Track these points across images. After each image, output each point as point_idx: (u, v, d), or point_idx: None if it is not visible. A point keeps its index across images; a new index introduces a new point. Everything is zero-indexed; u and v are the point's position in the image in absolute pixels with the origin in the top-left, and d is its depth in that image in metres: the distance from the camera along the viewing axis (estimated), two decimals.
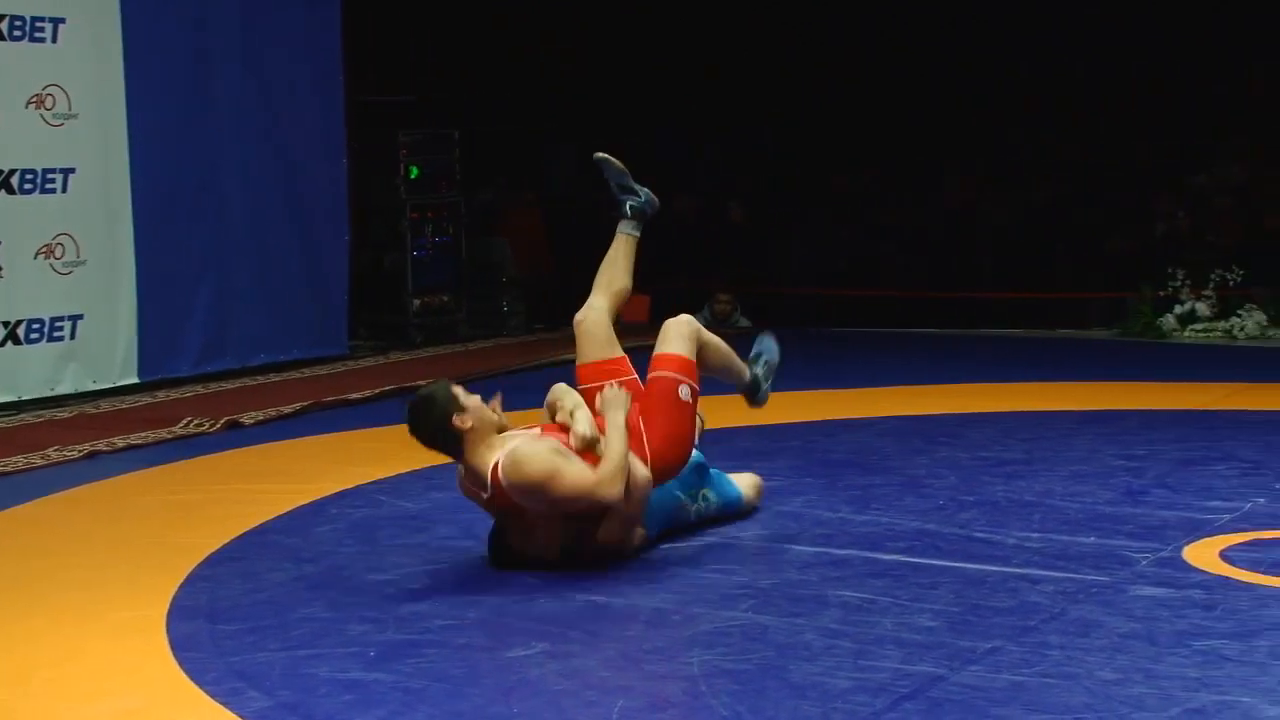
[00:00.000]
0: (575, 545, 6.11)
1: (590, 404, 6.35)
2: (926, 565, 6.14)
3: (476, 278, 14.17)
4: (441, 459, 8.40)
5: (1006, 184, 15.89)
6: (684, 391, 6.49)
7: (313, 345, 12.27)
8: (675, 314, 6.92)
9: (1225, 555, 6.18)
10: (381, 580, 6.11)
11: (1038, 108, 16.88)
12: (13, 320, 10.31)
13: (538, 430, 6.24)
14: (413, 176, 13.62)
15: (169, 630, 5.50)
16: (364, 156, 13.39)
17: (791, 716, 4.60)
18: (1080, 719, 4.50)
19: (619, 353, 6.69)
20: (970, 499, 7.29)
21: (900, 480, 7.74)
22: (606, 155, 7.12)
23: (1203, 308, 13.51)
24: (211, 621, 5.61)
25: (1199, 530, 6.57)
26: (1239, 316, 13.36)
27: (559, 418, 6.32)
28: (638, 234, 7.07)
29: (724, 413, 7.97)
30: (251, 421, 9.78)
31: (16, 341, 10.33)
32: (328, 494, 7.65)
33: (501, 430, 6.23)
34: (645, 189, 7.15)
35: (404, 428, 9.53)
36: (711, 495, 6.85)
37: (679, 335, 6.65)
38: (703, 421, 7.00)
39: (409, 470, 8.17)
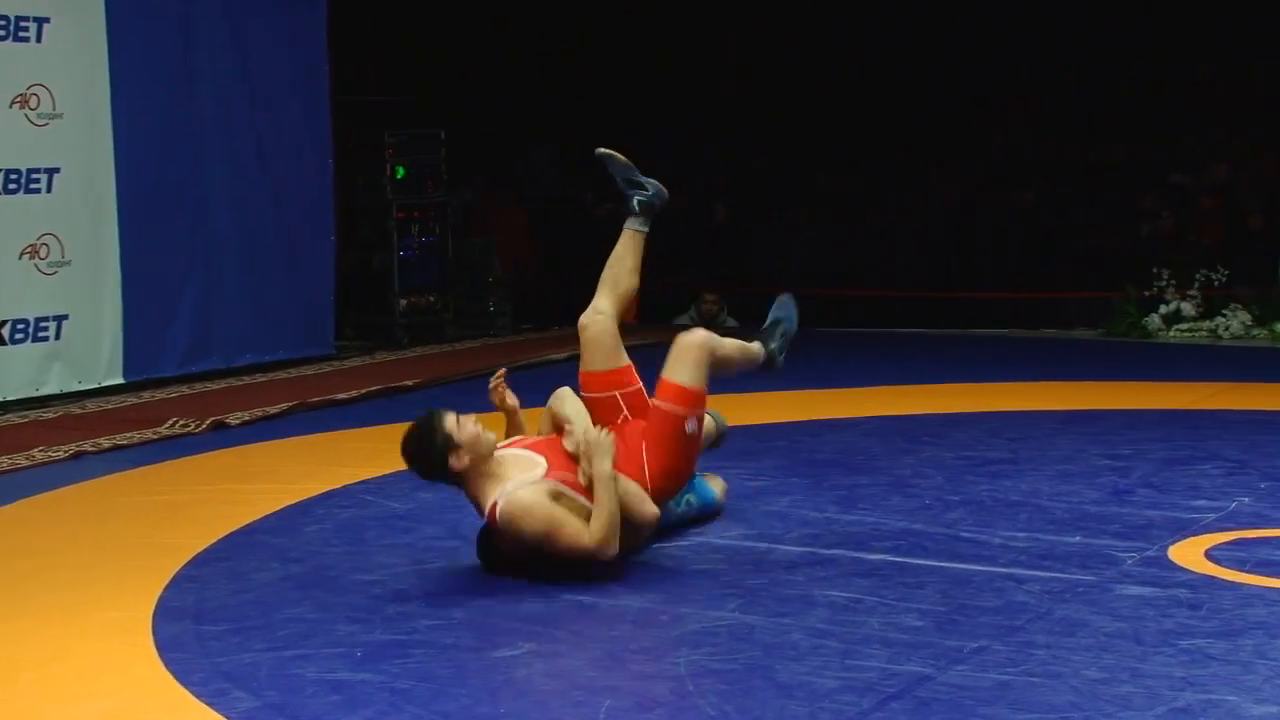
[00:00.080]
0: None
1: (593, 411, 6.30)
2: (913, 565, 6.14)
3: (463, 278, 14.16)
4: None
5: (992, 185, 15.91)
6: (690, 425, 6.37)
7: (299, 345, 12.26)
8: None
9: (1210, 555, 6.20)
10: (368, 580, 6.10)
11: (1023, 109, 16.92)
12: None
13: (541, 467, 5.98)
14: (399, 176, 13.62)
15: (155, 631, 5.49)
16: (350, 156, 13.39)
17: (778, 716, 4.61)
18: (1067, 718, 4.51)
19: (625, 361, 6.54)
20: (956, 499, 7.30)
21: (886, 480, 7.75)
22: (609, 150, 6.96)
23: (1187, 307, 13.55)
24: (198, 622, 5.60)
25: (1184, 530, 6.59)
26: (1224, 316, 13.40)
27: (566, 444, 6.13)
28: (646, 229, 6.89)
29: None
30: (237, 422, 9.76)
31: (1, 342, 10.32)
32: (314, 494, 7.64)
33: (512, 432, 6.27)
34: (653, 181, 6.96)
35: (391, 428, 9.57)
36: (693, 499, 6.85)
37: (693, 363, 6.36)
38: (724, 426, 6.99)
39: (395, 470, 8.11)
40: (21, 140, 10.37)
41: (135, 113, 10.97)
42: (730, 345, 6.62)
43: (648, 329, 14.31)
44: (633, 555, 6.29)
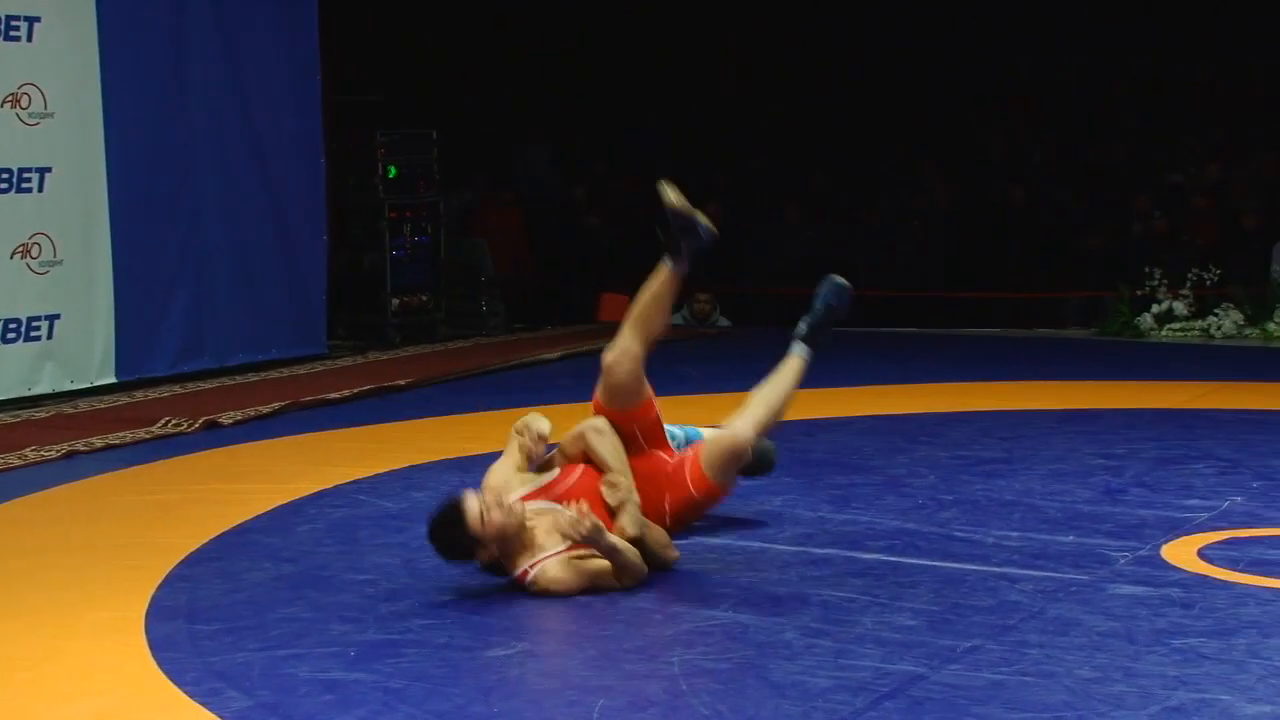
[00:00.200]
0: None
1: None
2: (906, 564, 6.14)
3: (455, 277, 14.15)
4: (423, 459, 8.46)
5: (985, 184, 15.92)
6: (712, 506, 6.33)
7: (291, 345, 12.25)
8: None
9: (1203, 554, 6.20)
10: (361, 580, 6.10)
11: (1018, 109, 16.93)
12: None
13: (563, 549, 5.77)
14: (391, 176, 13.61)
15: (148, 630, 5.48)
16: (342, 156, 13.38)
17: (772, 715, 4.61)
18: (1060, 717, 4.51)
19: (646, 396, 6.28)
20: (950, 498, 7.30)
21: (880, 479, 7.76)
22: (671, 189, 6.43)
23: (1180, 307, 13.56)
24: (191, 622, 5.59)
25: (1177, 529, 6.59)
26: (1216, 316, 13.41)
27: (606, 495, 5.94)
28: (686, 270, 6.51)
29: (705, 413, 7.95)
30: (230, 421, 9.75)
31: None
32: (307, 494, 7.63)
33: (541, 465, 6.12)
34: (705, 222, 6.46)
35: (382, 427, 9.59)
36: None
37: (734, 467, 6.15)
38: (771, 457, 6.91)
39: (388, 470, 8.17)
40: (13, 140, 10.35)
41: (126, 112, 10.95)
42: (767, 410, 6.35)
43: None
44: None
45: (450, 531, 5.69)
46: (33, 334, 10.51)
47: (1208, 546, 6.31)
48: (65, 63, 10.62)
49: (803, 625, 5.37)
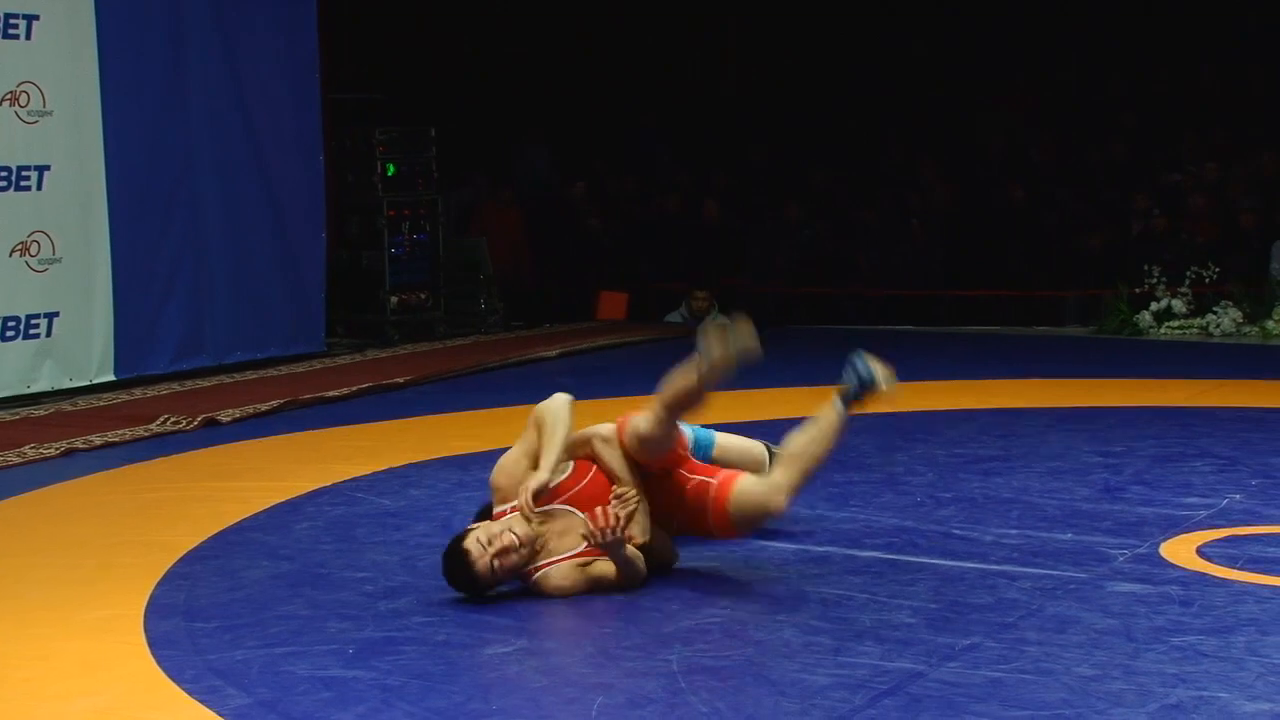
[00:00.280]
0: None
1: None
2: (905, 562, 6.14)
3: (454, 276, 14.15)
4: (422, 457, 8.46)
5: (984, 181, 15.92)
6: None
7: (290, 343, 12.25)
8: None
9: (1202, 551, 6.20)
10: (359, 578, 6.10)
11: (1015, 107, 16.94)
12: None
13: (581, 528, 5.76)
14: (390, 174, 13.61)
15: (147, 628, 5.48)
16: (341, 154, 13.38)
17: (771, 713, 4.61)
18: (1059, 715, 4.51)
19: (675, 440, 6.03)
20: (948, 496, 7.30)
21: (878, 477, 7.76)
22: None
23: (1179, 305, 13.56)
24: (189, 619, 5.59)
25: (1176, 527, 6.60)
26: (1215, 314, 13.41)
27: (615, 506, 5.77)
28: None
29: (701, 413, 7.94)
30: (229, 419, 9.75)
31: None
32: (305, 492, 7.63)
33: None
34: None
35: (381, 425, 9.60)
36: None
37: (761, 521, 6.00)
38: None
39: (386, 468, 8.17)
40: (12, 138, 10.35)
41: (125, 110, 10.95)
42: (798, 471, 6.04)
43: (639, 327, 14.37)
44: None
45: (465, 572, 5.65)
46: (31, 332, 10.51)
47: (1206, 544, 6.31)
48: (64, 61, 10.62)
49: (801, 623, 5.38)
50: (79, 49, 10.70)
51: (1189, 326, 13.49)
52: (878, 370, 6.06)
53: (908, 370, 11.42)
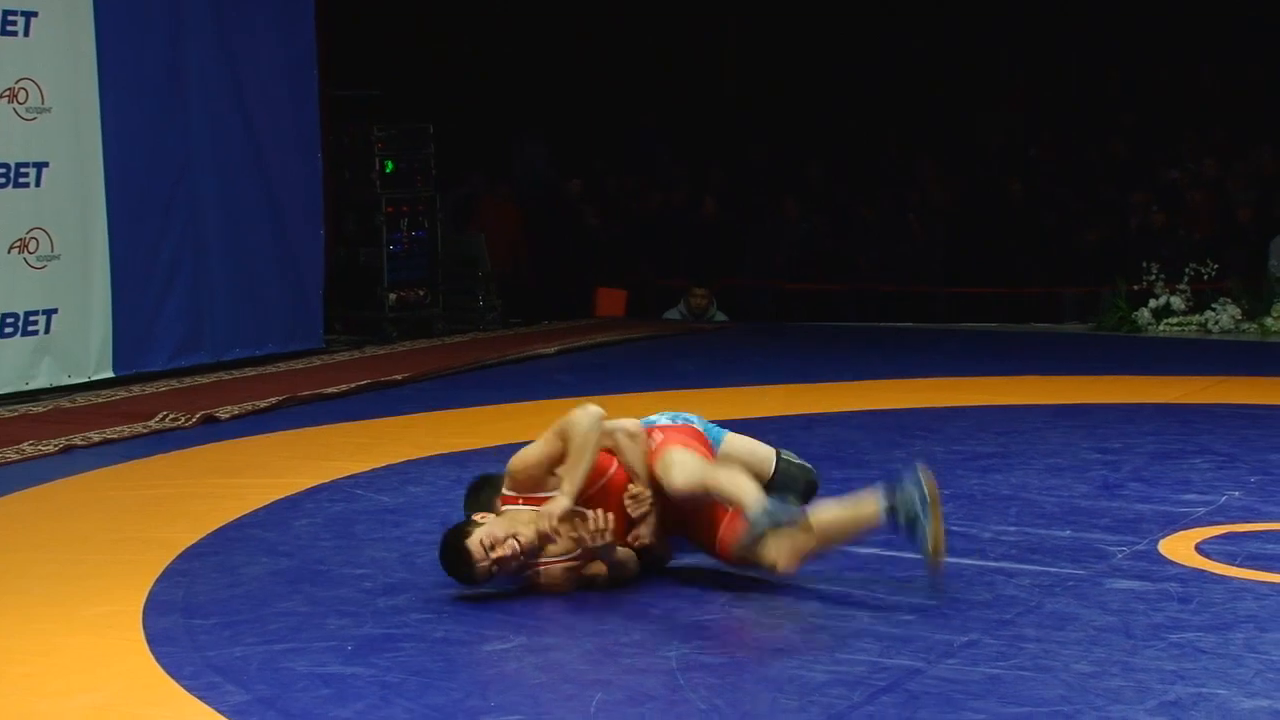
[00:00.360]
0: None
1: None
2: (903, 559, 6.12)
3: (452, 272, 14.14)
4: (420, 454, 8.46)
5: (981, 178, 15.93)
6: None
7: (288, 340, 12.24)
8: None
9: (1201, 548, 6.21)
10: (358, 574, 6.10)
11: (1014, 104, 16.95)
12: None
13: (572, 558, 5.73)
14: (388, 171, 13.60)
15: (145, 625, 5.49)
16: (339, 151, 13.37)
17: (769, 709, 4.61)
18: (1057, 711, 4.51)
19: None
20: (946, 493, 7.22)
21: (876, 474, 7.68)
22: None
23: (1177, 302, 13.56)
24: (188, 616, 5.59)
25: (1174, 524, 6.60)
26: (1213, 310, 13.40)
27: (628, 503, 5.78)
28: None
29: (703, 409, 7.95)
30: (227, 416, 9.75)
31: None
32: (304, 488, 7.63)
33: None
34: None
35: (379, 422, 9.60)
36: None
37: (758, 566, 5.72)
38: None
39: (385, 464, 8.17)
40: (10, 134, 10.34)
41: (124, 107, 10.94)
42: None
43: (638, 324, 14.37)
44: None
45: (460, 573, 5.65)
46: (30, 328, 10.50)
47: (1205, 541, 6.31)
48: (63, 57, 10.61)
49: (800, 619, 5.38)
50: (78, 46, 10.69)
51: (1187, 323, 13.48)
52: (929, 498, 5.66)
53: (906, 367, 11.51)
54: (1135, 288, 13.73)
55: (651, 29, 18.00)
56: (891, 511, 5.65)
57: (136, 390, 10.75)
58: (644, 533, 5.81)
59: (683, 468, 5.66)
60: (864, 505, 5.75)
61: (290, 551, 6.49)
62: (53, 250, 10.61)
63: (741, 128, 17.53)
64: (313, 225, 12.50)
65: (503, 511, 5.77)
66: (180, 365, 11.38)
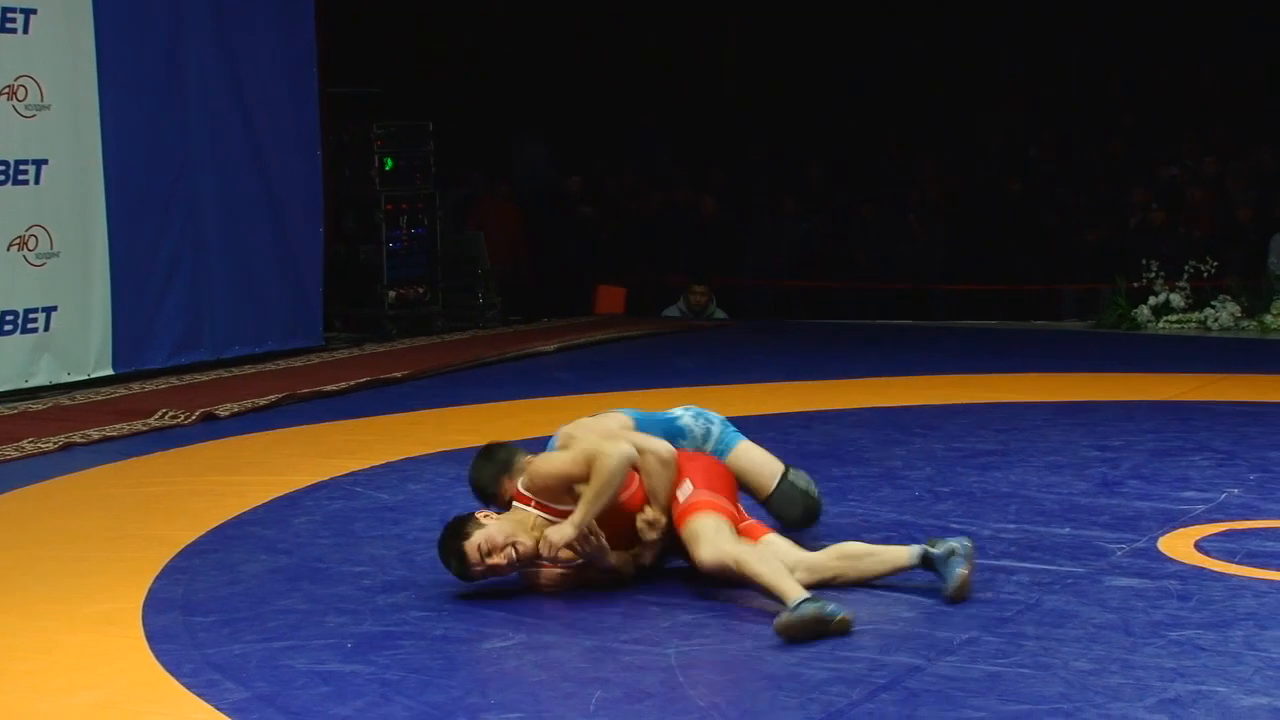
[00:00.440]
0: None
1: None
2: None
3: (452, 270, 14.14)
4: (420, 451, 8.46)
5: (981, 176, 15.93)
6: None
7: (288, 337, 12.24)
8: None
9: (1200, 546, 6.21)
10: (358, 572, 6.10)
11: (1014, 103, 16.95)
12: None
13: (570, 566, 5.77)
14: (387, 168, 13.60)
15: (145, 622, 5.49)
16: (339, 149, 13.37)
17: (769, 707, 4.61)
18: (1057, 709, 4.51)
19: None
20: (946, 490, 7.30)
21: (876, 471, 7.75)
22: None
23: (1177, 299, 13.56)
24: (188, 613, 5.59)
25: (1174, 521, 6.60)
26: (1213, 308, 13.41)
27: (641, 525, 5.73)
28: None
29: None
30: (227, 413, 9.75)
31: None
32: (303, 486, 7.63)
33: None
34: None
35: (379, 419, 9.60)
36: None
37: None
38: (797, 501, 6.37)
39: (384, 462, 8.17)
40: (9, 132, 10.34)
41: (123, 104, 10.94)
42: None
43: (638, 321, 14.37)
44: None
45: (453, 568, 5.63)
46: (29, 326, 10.51)
47: (1204, 539, 6.31)
48: (62, 55, 10.61)
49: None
50: (77, 43, 10.69)
51: (1187, 321, 13.48)
52: (969, 553, 5.62)
53: (906, 365, 11.52)
54: (1135, 285, 13.73)
55: (651, 29, 17.99)
56: (926, 553, 5.62)
57: (136, 388, 10.76)
58: (647, 556, 5.79)
59: (712, 546, 5.54)
60: (896, 552, 5.76)
61: (290, 549, 6.49)
62: (52, 248, 10.61)
63: (741, 127, 17.53)
64: (312, 223, 12.50)
65: (511, 507, 5.74)
66: (180, 363, 11.38)
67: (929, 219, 15.46)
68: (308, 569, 6.17)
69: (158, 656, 5.12)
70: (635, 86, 17.85)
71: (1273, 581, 5.72)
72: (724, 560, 5.47)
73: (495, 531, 5.57)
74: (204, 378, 11.20)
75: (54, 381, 10.62)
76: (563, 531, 5.57)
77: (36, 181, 10.50)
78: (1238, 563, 5.96)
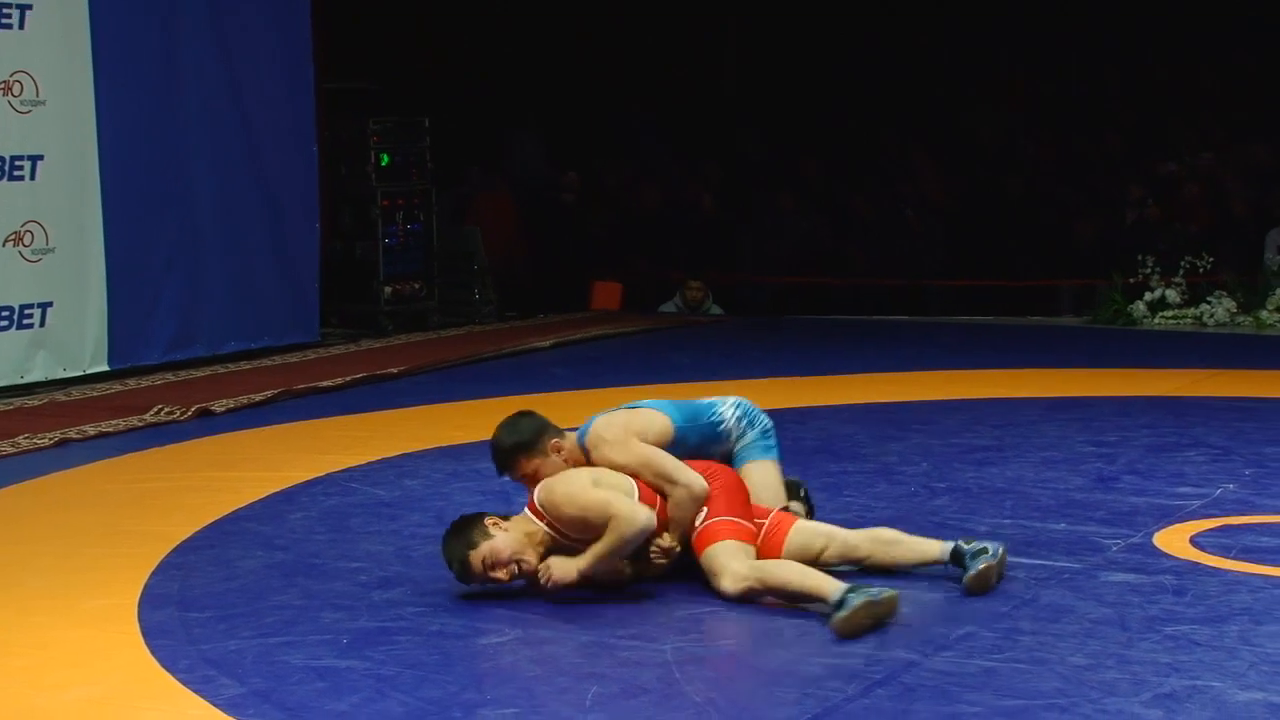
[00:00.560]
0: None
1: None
2: None
3: (448, 266, 14.13)
4: (416, 447, 8.46)
5: (977, 171, 15.93)
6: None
7: (284, 333, 12.23)
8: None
9: (1195, 541, 6.21)
10: (354, 568, 6.10)
11: (1010, 98, 16.94)
12: None
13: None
14: (384, 164, 13.59)
15: (141, 618, 5.48)
16: (335, 144, 13.36)
17: (765, 703, 4.61)
18: (1053, 704, 4.51)
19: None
20: (942, 485, 7.31)
21: (872, 467, 7.76)
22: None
23: (1173, 295, 13.56)
24: (183, 609, 5.59)
25: (1169, 516, 6.60)
26: (1209, 303, 13.41)
27: (655, 559, 5.71)
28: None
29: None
30: (223, 409, 9.74)
31: None
32: (299, 481, 7.62)
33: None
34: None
35: (375, 415, 9.59)
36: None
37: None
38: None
39: (380, 458, 8.16)
40: (5, 127, 10.32)
41: (119, 99, 10.92)
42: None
43: (634, 317, 14.37)
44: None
45: (454, 571, 5.60)
46: (25, 322, 10.50)
47: (1200, 534, 6.32)
48: (57, 50, 10.59)
49: (795, 613, 5.37)
50: (72, 38, 10.68)
51: (1183, 316, 13.49)
52: (1002, 556, 5.65)
53: (902, 360, 11.52)
54: (1131, 281, 13.73)
55: (651, 29, 17.98)
56: (958, 548, 5.63)
57: (132, 384, 10.75)
58: (652, 571, 5.76)
59: (731, 577, 5.49)
60: (930, 545, 5.78)
61: (285, 545, 6.49)
62: (48, 243, 10.60)
63: (740, 125, 17.52)
64: (308, 219, 12.49)
65: (523, 513, 5.65)
66: (175, 359, 11.37)
67: (926, 216, 15.45)
68: (304, 565, 6.17)
69: (153, 652, 5.11)
70: (634, 86, 17.83)
71: (1268, 576, 5.72)
72: (747, 586, 5.45)
73: (502, 545, 5.50)
74: (200, 373, 11.19)
75: (49, 377, 10.61)
76: (566, 572, 5.50)
77: (32, 177, 10.49)
78: (1233, 558, 5.97)
